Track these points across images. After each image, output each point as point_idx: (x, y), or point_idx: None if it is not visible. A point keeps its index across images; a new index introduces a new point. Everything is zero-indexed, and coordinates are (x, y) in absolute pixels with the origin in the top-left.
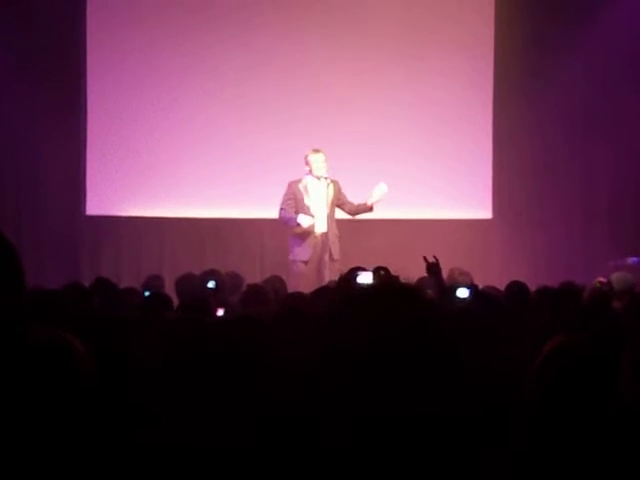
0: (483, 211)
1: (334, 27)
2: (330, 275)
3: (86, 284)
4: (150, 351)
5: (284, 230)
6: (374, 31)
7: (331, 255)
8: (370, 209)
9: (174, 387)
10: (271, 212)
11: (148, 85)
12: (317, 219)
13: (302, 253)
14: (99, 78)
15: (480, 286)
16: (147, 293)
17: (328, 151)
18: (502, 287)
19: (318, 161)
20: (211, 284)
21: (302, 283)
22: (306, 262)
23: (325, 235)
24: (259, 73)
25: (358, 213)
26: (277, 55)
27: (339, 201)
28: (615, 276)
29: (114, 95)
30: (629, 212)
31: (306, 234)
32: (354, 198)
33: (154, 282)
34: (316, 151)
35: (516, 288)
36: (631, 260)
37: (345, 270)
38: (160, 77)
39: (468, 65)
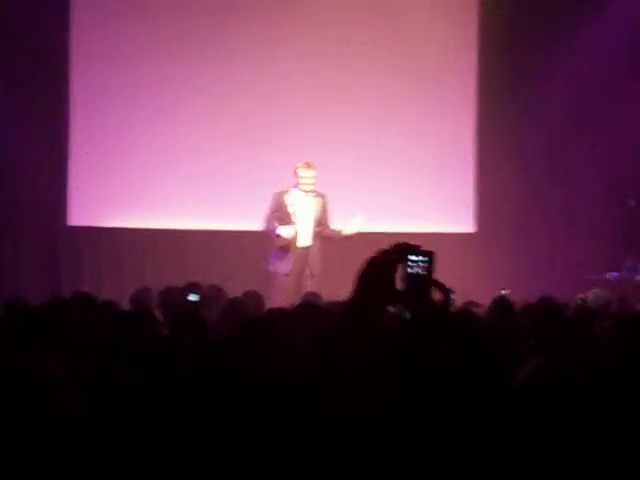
0: (466, 225)
1: (320, 41)
2: (309, 289)
3: (68, 294)
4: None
5: (266, 242)
6: (360, 48)
7: (311, 271)
8: (342, 239)
9: (157, 408)
10: (253, 224)
11: (131, 96)
12: (301, 232)
13: (283, 266)
14: (82, 89)
15: (462, 301)
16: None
17: (314, 164)
18: (485, 301)
19: (307, 177)
20: (193, 297)
21: (282, 296)
22: (287, 275)
23: (307, 249)
24: (244, 84)
25: (328, 238)
26: (264, 68)
27: (320, 218)
28: (591, 293)
29: (97, 106)
30: (612, 226)
31: (288, 247)
32: (336, 212)
33: (143, 294)
34: (308, 166)
35: (500, 304)
36: (611, 275)
37: (319, 284)
38: (143, 90)
39: (451, 79)
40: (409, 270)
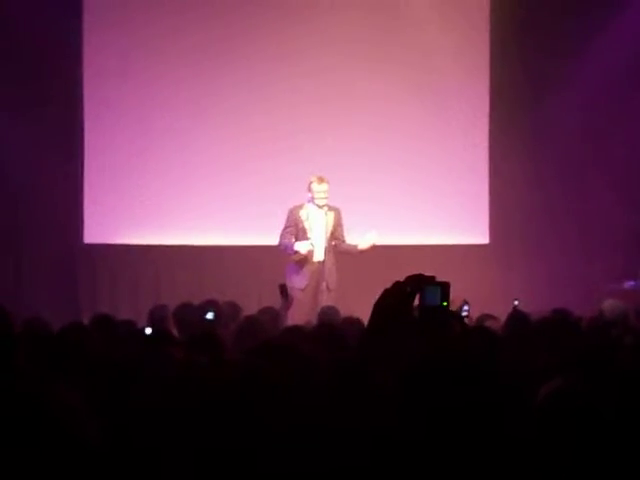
0: (480, 236)
1: (332, 55)
2: (326, 303)
3: (84, 313)
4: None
5: (282, 257)
6: (372, 62)
7: (327, 285)
8: (357, 254)
9: (178, 434)
10: (269, 239)
11: (145, 113)
12: (316, 247)
13: (299, 281)
14: (96, 106)
15: (478, 314)
16: (148, 330)
17: (327, 177)
18: (499, 312)
19: (321, 191)
20: (210, 315)
21: (298, 311)
22: (303, 290)
23: (322, 264)
24: (257, 99)
25: (343, 252)
26: (276, 82)
27: (335, 232)
28: (607, 304)
29: (111, 124)
30: (626, 235)
31: (304, 262)
32: (350, 225)
33: (159, 312)
34: (321, 180)
35: (516, 318)
36: (628, 284)
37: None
38: (157, 106)
39: (464, 92)
40: (425, 301)
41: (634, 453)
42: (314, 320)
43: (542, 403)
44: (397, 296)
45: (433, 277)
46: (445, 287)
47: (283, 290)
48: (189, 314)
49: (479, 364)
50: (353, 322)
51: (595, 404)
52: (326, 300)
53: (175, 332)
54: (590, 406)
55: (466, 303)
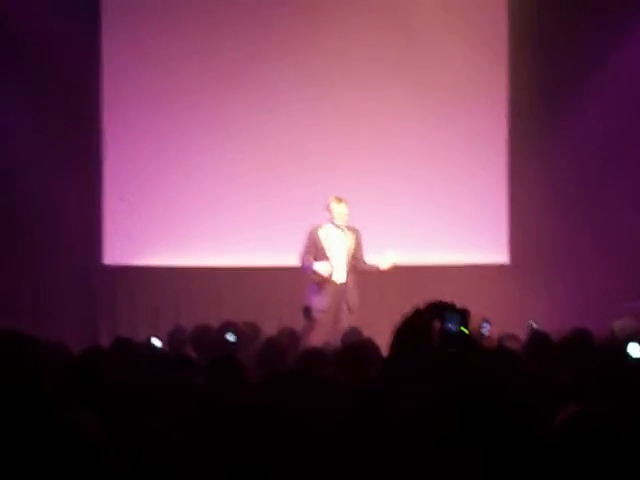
0: (500, 256)
1: (348, 75)
2: (347, 324)
3: (103, 334)
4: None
5: (302, 278)
6: (388, 80)
7: (349, 306)
8: (377, 273)
9: (195, 466)
10: (288, 259)
11: (162, 138)
12: (336, 268)
13: (320, 302)
14: (115, 129)
15: (498, 334)
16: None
17: (343, 197)
18: (518, 331)
19: (340, 211)
20: (231, 337)
21: (319, 332)
22: (324, 311)
23: (344, 285)
24: (275, 120)
25: (363, 272)
26: (294, 103)
27: (355, 253)
28: (617, 324)
29: (129, 149)
30: None
31: (324, 283)
32: (369, 245)
33: (177, 335)
34: (339, 200)
35: (537, 339)
36: None
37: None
38: (174, 130)
39: (482, 111)
40: (445, 328)
41: None
42: (334, 341)
43: (559, 428)
44: (417, 323)
45: (453, 304)
46: (465, 314)
47: (307, 312)
48: (207, 336)
49: (500, 390)
50: (374, 345)
51: (614, 429)
52: (347, 321)
53: (193, 354)
54: (609, 431)
55: (486, 321)
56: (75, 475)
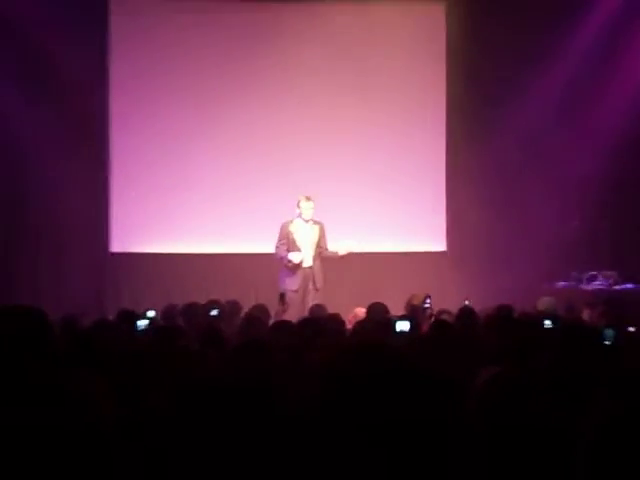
0: (439, 245)
1: (326, 99)
2: (312, 301)
3: (110, 308)
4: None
5: (276, 264)
6: (351, 100)
7: (315, 285)
8: (338, 259)
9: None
10: (265, 248)
11: (164, 140)
12: (304, 255)
13: (292, 283)
14: (122, 132)
15: (437, 309)
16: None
17: (311, 196)
18: (454, 308)
19: (307, 208)
20: (214, 312)
21: (291, 308)
22: (295, 291)
23: (311, 268)
24: (263, 135)
25: (327, 258)
26: (279, 121)
27: (319, 242)
28: (541, 301)
29: (134, 149)
30: (560, 242)
31: (295, 268)
32: (333, 234)
33: (171, 310)
34: (307, 199)
35: (465, 312)
36: (560, 284)
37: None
38: (176, 134)
39: (425, 125)
40: None
41: (561, 427)
42: (304, 315)
43: (481, 385)
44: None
45: None
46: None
47: (282, 297)
48: (195, 311)
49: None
50: (340, 319)
51: (527, 385)
52: (313, 298)
53: (183, 325)
54: (523, 387)
55: (428, 297)
56: (85, 423)
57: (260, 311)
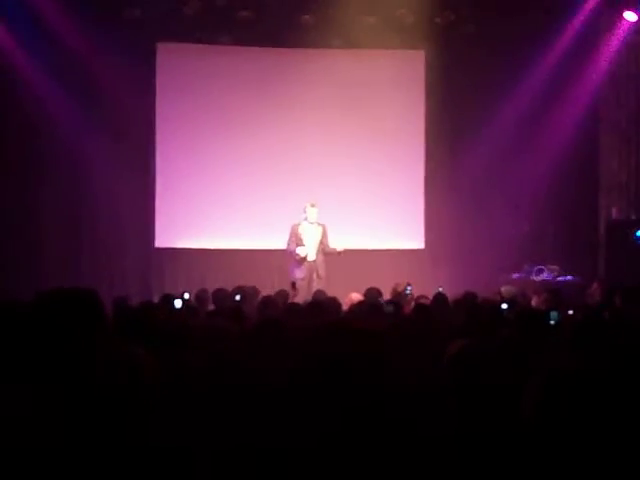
0: (418, 242)
1: (320, 124)
2: (316, 287)
3: (155, 296)
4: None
5: (287, 258)
6: (344, 131)
7: (318, 274)
8: (337, 254)
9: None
10: (280, 244)
11: (199, 154)
12: (310, 250)
13: (299, 273)
14: (166, 144)
15: (415, 295)
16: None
17: (311, 199)
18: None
19: (312, 212)
20: (237, 297)
21: (299, 295)
22: (302, 279)
23: (314, 261)
24: (278, 152)
25: (328, 253)
26: (290, 140)
27: (322, 240)
28: (504, 288)
29: (175, 166)
30: (517, 241)
31: (302, 260)
32: (333, 233)
33: (203, 294)
34: (312, 205)
35: (439, 297)
36: (515, 275)
37: (324, 284)
38: (208, 152)
39: (405, 144)
40: None
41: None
42: (309, 299)
43: (452, 355)
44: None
45: None
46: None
47: (294, 285)
48: (222, 296)
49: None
50: (337, 301)
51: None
52: (316, 285)
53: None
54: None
55: (409, 285)
56: (135, 390)
57: (280, 295)
